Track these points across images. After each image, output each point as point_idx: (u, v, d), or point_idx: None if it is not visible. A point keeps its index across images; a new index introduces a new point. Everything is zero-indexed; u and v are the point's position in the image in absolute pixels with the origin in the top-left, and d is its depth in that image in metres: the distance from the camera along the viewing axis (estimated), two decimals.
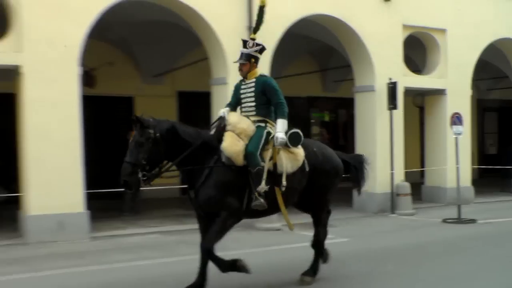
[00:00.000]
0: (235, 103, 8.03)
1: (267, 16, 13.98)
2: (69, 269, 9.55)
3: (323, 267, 8.68)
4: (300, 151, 7.74)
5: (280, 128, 7.53)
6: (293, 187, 7.65)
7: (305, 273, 8.27)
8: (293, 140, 7.62)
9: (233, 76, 13.96)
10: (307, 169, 7.79)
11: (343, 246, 11.28)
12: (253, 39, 7.93)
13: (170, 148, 7.18)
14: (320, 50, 20.34)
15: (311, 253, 9.55)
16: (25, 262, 10.24)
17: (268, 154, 7.47)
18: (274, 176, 7.45)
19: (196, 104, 18.51)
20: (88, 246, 11.72)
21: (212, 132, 7.57)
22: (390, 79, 15.85)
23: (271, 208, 7.59)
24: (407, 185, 16.03)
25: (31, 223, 11.97)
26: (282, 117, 7.62)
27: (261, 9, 8.13)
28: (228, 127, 7.49)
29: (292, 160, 7.62)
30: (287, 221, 7.93)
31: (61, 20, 12.17)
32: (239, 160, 7.28)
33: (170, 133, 7.17)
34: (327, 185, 8.21)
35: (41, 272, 9.49)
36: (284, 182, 7.45)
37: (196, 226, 7.73)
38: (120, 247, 11.12)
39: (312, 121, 23.71)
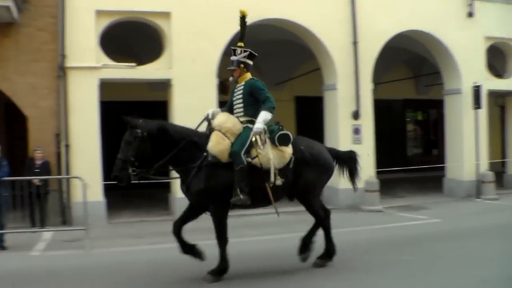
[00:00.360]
0: (230, 106, 7.23)
1: (368, 34, 13.86)
2: (209, 241, 9.41)
3: (422, 244, 8.40)
4: (288, 149, 6.92)
5: (260, 119, 6.66)
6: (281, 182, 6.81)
7: (319, 257, 7.49)
8: (282, 140, 6.81)
9: (342, 83, 13.80)
10: (291, 165, 6.92)
11: (436, 226, 10.91)
12: (241, 47, 7.07)
13: (159, 146, 6.57)
14: (413, 59, 19.65)
15: (408, 230, 8.98)
16: None
17: (254, 152, 6.68)
18: (263, 172, 6.68)
19: (310, 106, 18.17)
20: None
21: (203, 130, 6.95)
22: (475, 82, 15.21)
23: (261, 201, 6.89)
24: (490, 173, 15.15)
25: (178, 203, 12.07)
26: (266, 109, 6.71)
27: (242, 19, 7.15)
28: (215, 127, 6.80)
29: (279, 157, 6.81)
30: (275, 209, 7.00)
31: (202, 42, 12.42)
32: (224, 157, 6.58)
33: (157, 132, 6.56)
34: (313, 179, 7.17)
35: None
36: (272, 178, 6.68)
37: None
38: (248, 224, 11.02)
39: (407, 119, 23.22)
